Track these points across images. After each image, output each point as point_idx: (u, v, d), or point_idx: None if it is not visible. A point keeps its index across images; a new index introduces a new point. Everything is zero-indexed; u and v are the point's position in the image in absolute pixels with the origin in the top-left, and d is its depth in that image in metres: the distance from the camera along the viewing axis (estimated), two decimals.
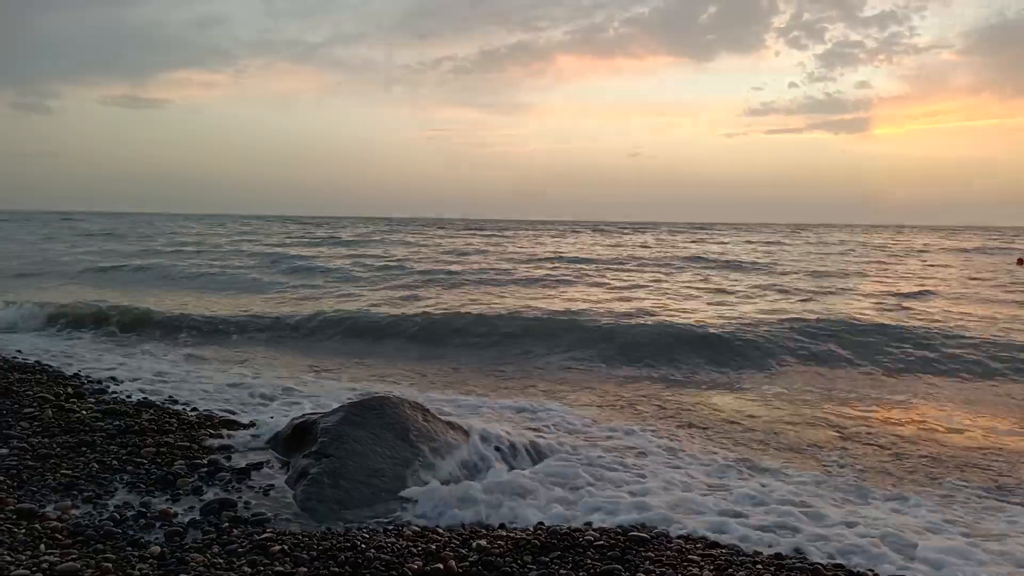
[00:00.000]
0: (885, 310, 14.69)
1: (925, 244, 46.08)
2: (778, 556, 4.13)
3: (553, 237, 50.75)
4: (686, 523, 4.55)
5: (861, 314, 13.58)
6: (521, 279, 20.48)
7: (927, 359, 10.33)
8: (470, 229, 67.48)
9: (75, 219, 78.42)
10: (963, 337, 11.38)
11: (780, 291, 18.21)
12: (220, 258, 27.70)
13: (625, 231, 67.99)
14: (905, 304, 15.74)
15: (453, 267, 23.84)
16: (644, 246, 39.45)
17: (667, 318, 13.13)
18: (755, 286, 19.44)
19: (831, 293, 17.89)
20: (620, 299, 16.44)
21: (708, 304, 15.82)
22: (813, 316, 13.06)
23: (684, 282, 20.53)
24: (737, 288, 18.97)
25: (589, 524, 4.56)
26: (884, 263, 28.73)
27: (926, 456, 6.26)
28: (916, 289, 18.57)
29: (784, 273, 23.57)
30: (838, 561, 4.09)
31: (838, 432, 6.95)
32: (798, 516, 4.71)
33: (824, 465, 5.98)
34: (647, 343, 11.04)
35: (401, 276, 21.33)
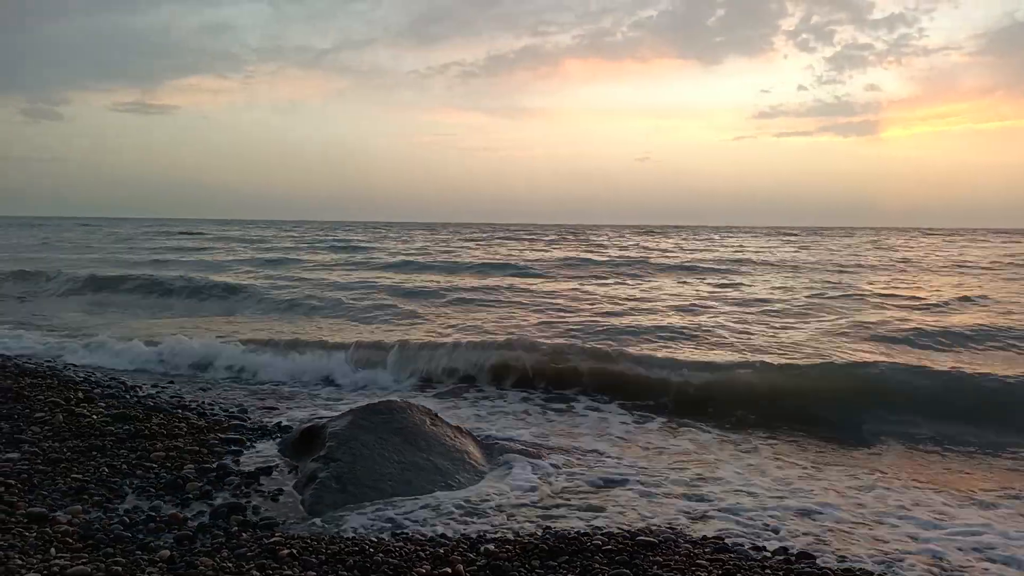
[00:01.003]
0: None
1: (962, 248, 40.49)
2: (787, 560, 4.11)
3: (596, 241, 46.83)
4: None
5: None
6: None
7: None
8: (532, 234, 59.77)
9: (93, 224, 78.03)
10: None
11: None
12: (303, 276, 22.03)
13: (671, 234, 64.38)
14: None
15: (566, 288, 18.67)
16: (709, 249, 36.04)
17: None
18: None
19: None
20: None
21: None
22: None
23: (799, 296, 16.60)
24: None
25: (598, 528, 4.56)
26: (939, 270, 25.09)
27: None
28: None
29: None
30: (847, 565, 4.07)
31: None
32: None
33: None
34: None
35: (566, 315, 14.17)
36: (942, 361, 9.45)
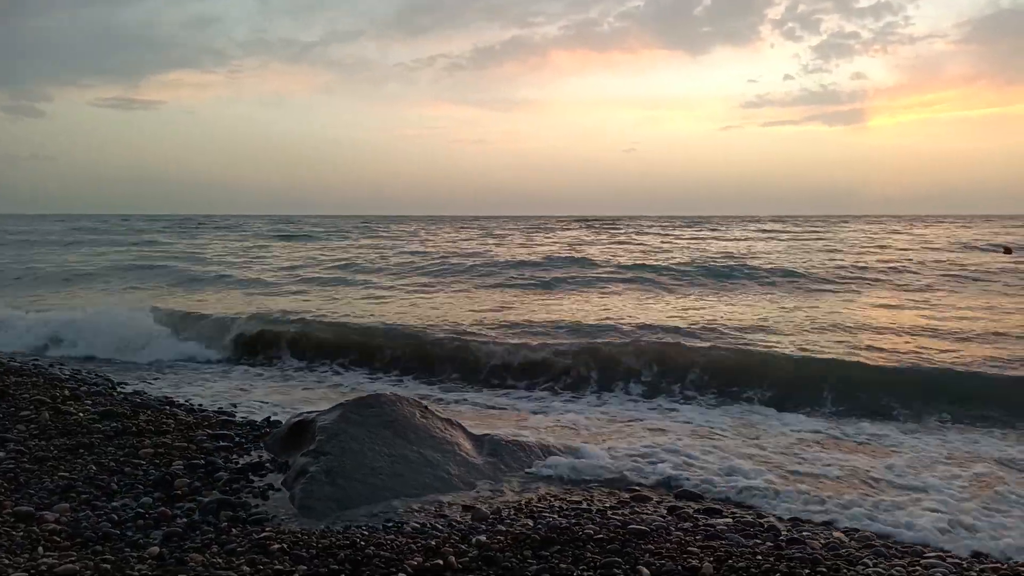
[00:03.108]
0: None
1: (951, 236, 37.21)
2: (777, 547, 4.13)
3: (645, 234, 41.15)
4: None
5: None
6: None
7: None
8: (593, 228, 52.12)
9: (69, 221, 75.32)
10: None
11: None
12: None
13: (710, 225, 57.74)
14: None
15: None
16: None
17: None
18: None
19: None
20: None
21: None
22: None
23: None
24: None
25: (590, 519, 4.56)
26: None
27: None
28: None
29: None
30: (839, 551, 4.10)
31: None
32: None
33: None
34: None
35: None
36: None
